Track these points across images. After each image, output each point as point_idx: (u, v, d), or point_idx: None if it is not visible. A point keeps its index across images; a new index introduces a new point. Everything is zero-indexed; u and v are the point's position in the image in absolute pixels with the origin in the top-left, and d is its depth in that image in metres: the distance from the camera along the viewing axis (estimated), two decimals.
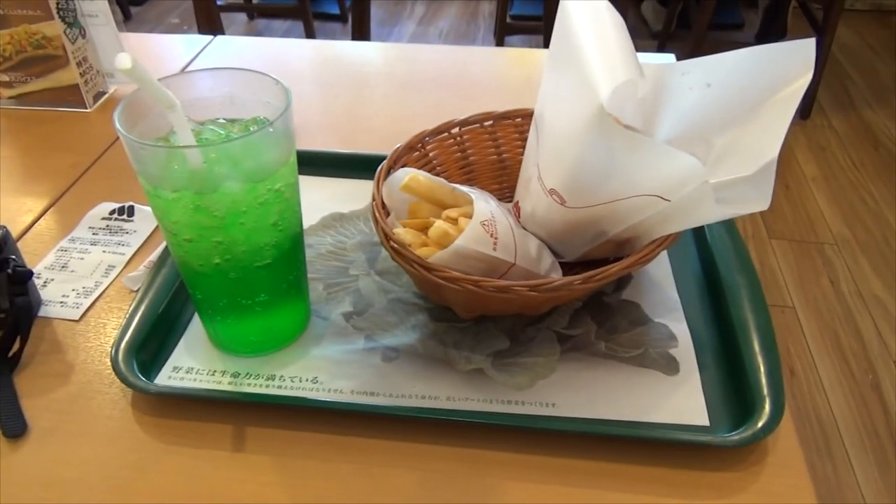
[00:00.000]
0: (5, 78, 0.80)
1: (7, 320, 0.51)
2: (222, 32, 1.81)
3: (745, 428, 0.44)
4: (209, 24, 1.83)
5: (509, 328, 0.52)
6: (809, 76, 0.47)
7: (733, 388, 0.48)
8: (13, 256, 0.51)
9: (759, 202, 0.46)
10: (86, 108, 0.81)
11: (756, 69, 0.49)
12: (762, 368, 0.47)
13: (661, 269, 0.58)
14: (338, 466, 0.44)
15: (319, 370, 0.50)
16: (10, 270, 0.50)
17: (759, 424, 0.44)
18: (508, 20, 2.60)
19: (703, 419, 0.46)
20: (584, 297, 0.55)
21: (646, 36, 2.74)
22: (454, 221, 0.48)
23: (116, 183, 0.70)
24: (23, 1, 0.74)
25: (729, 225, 0.59)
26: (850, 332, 1.57)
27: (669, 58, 0.88)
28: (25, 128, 0.79)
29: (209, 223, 0.42)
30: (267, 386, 0.49)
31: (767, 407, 0.45)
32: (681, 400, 0.47)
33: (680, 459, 0.44)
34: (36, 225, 0.65)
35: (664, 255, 0.58)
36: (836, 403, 1.41)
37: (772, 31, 2.64)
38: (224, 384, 0.49)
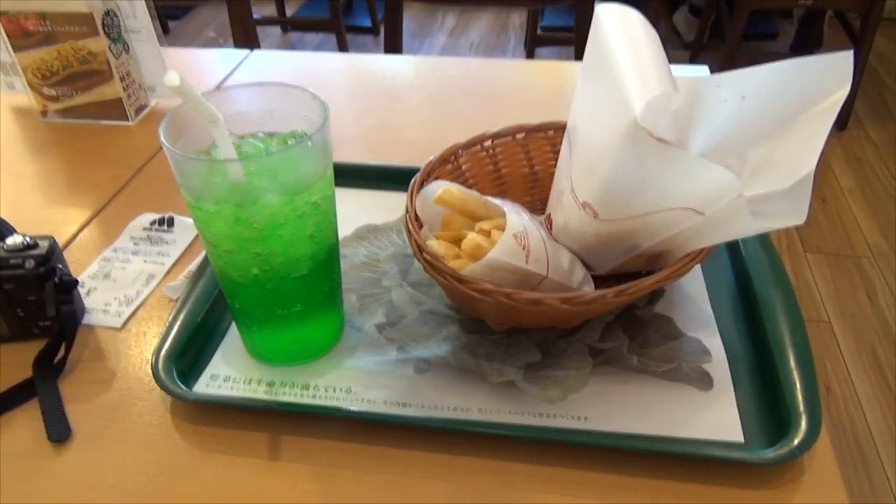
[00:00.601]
0: (52, 92, 0.82)
1: (53, 327, 0.53)
2: (258, 45, 1.84)
3: (781, 445, 0.43)
4: (245, 37, 1.86)
5: (541, 341, 0.53)
6: (846, 90, 0.46)
7: (768, 404, 0.47)
8: (60, 266, 0.53)
9: (796, 216, 0.45)
10: (128, 121, 0.84)
11: (792, 82, 0.49)
12: (798, 384, 0.47)
13: (694, 283, 0.57)
14: (370, 476, 0.45)
15: (353, 380, 0.50)
16: (57, 279, 0.52)
17: (796, 441, 0.43)
18: (539, 32, 2.61)
19: (737, 435, 0.46)
20: (616, 310, 0.55)
21: (678, 46, 2.73)
22: (487, 234, 0.48)
23: (157, 194, 0.72)
24: (70, 18, 0.76)
25: (763, 238, 0.58)
26: (888, 347, 1.53)
27: (703, 69, 0.88)
28: (70, 140, 0.82)
29: (248, 235, 0.43)
30: (302, 395, 0.49)
31: (804, 423, 0.44)
32: (715, 415, 0.47)
33: (714, 476, 0.44)
34: (80, 235, 0.67)
35: (697, 268, 0.58)
36: (873, 420, 1.38)
37: (807, 42, 2.60)
38: (260, 393, 0.50)
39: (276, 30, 3.06)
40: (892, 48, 2.71)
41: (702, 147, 0.52)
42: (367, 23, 2.98)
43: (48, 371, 0.51)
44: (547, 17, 2.80)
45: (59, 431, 0.48)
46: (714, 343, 0.52)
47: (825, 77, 0.47)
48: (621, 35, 0.48)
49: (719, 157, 0.50)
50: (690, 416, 0.47)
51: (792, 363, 0.48)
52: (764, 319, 0.52)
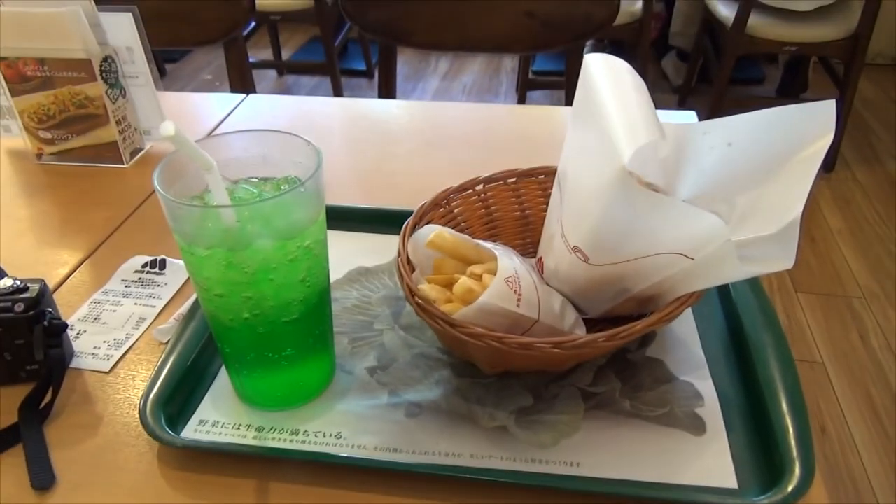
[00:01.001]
0: (48, 135, 0.83)
1: (41, 372, 0.52)
2: (254, 88, 1.87)
3: (775, 492, 0.43)
4: (241, 80, 1.89)
5: (533, 385, 0.52)
6: (830, 137, 0.48)
7: (762, 449, 0.47)
8: (49, 309, 0.53)
9: (784, 261, 0.46)
10: (123, 164, 0.84)
11: (777, 129, 0.50)
12: (791, 429, 0.46)
13: (685, 326, 0.57)
14: None
15: (343, 425, 0.50)
16: (46, 323, 0.52)
17: (790, 488, 0.43)
18: (531, 75, 2.66)
19: (731, 482, 0.45)
20: (608, 353, 0.55)
21: (667, 90, 2.78)
22: (478, 278, 0.49)
23: (149, 237, 0.72)
24: (68, 64, 0.77)
25: (753, 282, 0.59)
26: (881, 388, 1.53)
27: (691, 115, 0.90)
28: (64, 183, 0.82)
29: (240, 279, 0.43)
30: (291, 441, 0.49)
31: (797, 469, 0.44)
32: (708, 461, 0.47)
33: None
34: (71, 277, 0.67)
35: (688, 311, 0.58)
36: (869, 462, 1.37)
37: (793, 86, 2.66)
38: (249, 438, 0.49)
39: (273, 73, 3.11)
40: (876, 92, 2.77)
41: (690, 193, 0.53)
42: (362, 66, 3.03)
43: (34, 416, 0.51)
44: (538, 61, 2.85)
45: (43, 479, 0.47)
46: (706, 386, 0.52)
47: (809, 125, 0.48)
48: (609, 83, 0.49)
49: (707, 202, 0.51)
50: (684, 461, 0.47)
51: (784, 407, 0.48)
52: (755, 363, 0.52)
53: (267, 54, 3.09)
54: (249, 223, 0.42)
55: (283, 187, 0.46)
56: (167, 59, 3.15)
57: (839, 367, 1.58)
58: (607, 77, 0.50)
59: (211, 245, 0.42)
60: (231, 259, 0.43)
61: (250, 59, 2.02)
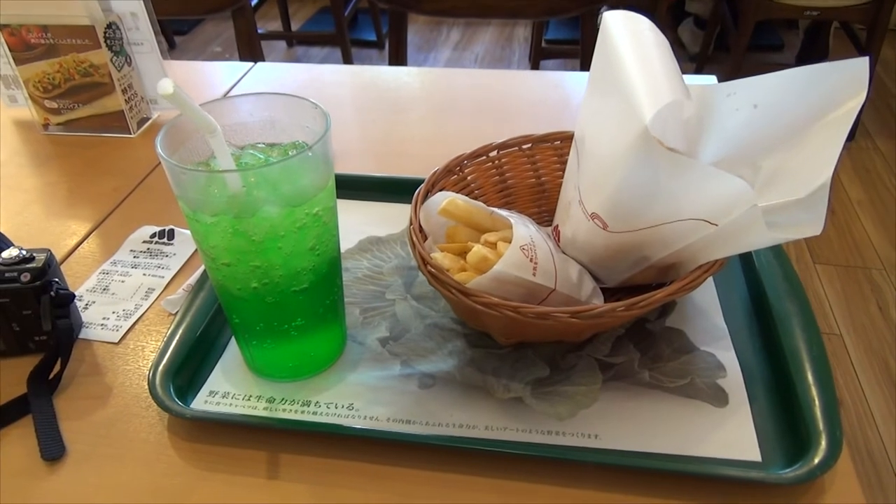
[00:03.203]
0: (54, 105, 0.82)
1: (49, 342, 0.52)
2: (263, 60, 1.85)
3: (801, 464, 0.42)
4: (250, 51, 1.86)
5: (549, 355, 0.51)
6: (863, 97, 0.45)
7: (786, 422, 0.46)
8: (56, 279, 0.52)
9: (812, 227, 0.44)
10: (130, 134, 0.83)
11: (805, 90, 0.48)
12: (817, 401, 0.45)
13: (706, 296, 0.56)
14: (373, 496, 0.43)
15: (355, 396, 0.49)
16: (53, 293, 0.51)
17: (816, 461, 0.42)
18: (543, 44, 2.61)
19: (754, 454, 0.44)
20: (626, 323, 0.53)
21: (683, 59, 2.72)
22: (493, 246, 0.47)
23: (157, 206, 0.71)
24: (72, 31, 0.76)
25: (777, 250, 0.57)
26: None
27: (711, 79, 0.87)
28: (72, 153, 0.81)
29: (247, 248, 0.42)
30: (302, 412, 0.48)
31: (824, 442, 0.43)
32: (730, 433, 0.45)
33: (730, 497, 0.42)
34: (79, 248, 0.66)
35: (710, 280, 0.56)
36: (886, 434, 1.35)
37: (813, 53, 2.59)
38: (259, 410, 0.48)
39: (282, 44, 3.07)
40: None
41: (713, 157, 0.51)
42: (372, 37, 2.99)
43: (43, 387, 0.50)
44: (551, 30, 2.80)
45: (52, 450, 0.46)
46: (728, 357, 0.50)
47: (840, 85, 0.46)
48: (630, 41, 0.47)
49: (731, 166, 0.49)
50: (705, 433, 0.45)
51: (810, 378, 0.46)
52: (780, 333, 0.50)
53: (276, 25, 3.05)
54: (256, 189, 0.41)
55: (290, 152, 0.44)
56: (176, 31, 3.12)
57: (857, 339, 1.56)
58: (628, 34, 0.48)
59: (216, 212, 0.41)
60: (237, 226, 0.41)
61: (259, 31, 1.99)
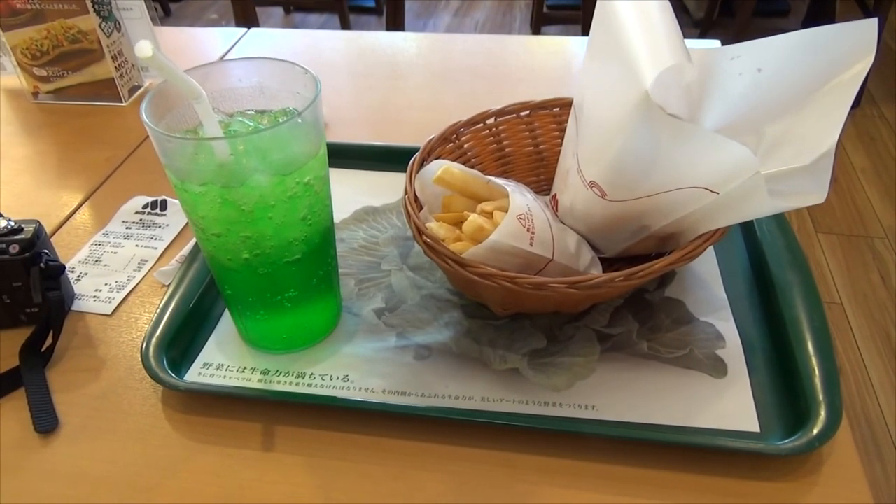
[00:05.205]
0: (43, 73, 0.80)
1: (40, 315, 0.51)
2: (258, 26, 1.81)
3: (800, 435, 0.41)
4: (246, 18, 1.84)
5: (546, 326, 0.50)
6: (870, 59, 0.44)
7: (786, 393, 0.45)
8: (46, 251, 0.51)
9: (816, 195, 0.43)
10: (121, 102, 0.82)
11: (811, 53, 0.46)
12: (817, 371, 0.44)
13: (706, 266, 0.55)
14: (368, 468, 0.43)
15: (350, 368, 0.48)
16: (42, 265, 0.50)
17: (815, 432, 0.41)
18: (545, 10, 2.56)
19: (753, 425, 0.43)
20: (625, 294, 0.52)
21: (687, 24, 2.67)
22: (489, 215, 0.46)
23: (150, 177, 0.70)
24: None
25: (779, 218, 0.56)
26: None
27: (714, 43, 0.85)
28: (62, 122, 0.80)
29: (237, 217, 0.41)
30: (297, 384, 0.48)
31: (823, 413, 0.42)
32: (729, 404, 0.45)
33: (728, 468, 0.42)
34: (71, 219, 0.65)
35: (710, 250, 0.55)
36: (886, 403, 1.36)
37: (819, 18, 2.54)
38: (254, 382, 0.48)
39: (279, 11, 3.02)
40: None
41: (716, 123, 0.50)
42: (371, 3, 2.94)
43: (35, 360, 0.50)
44: None
45: (46, 423, 0.46)
46: (728, 328, 0.50)
47: (846, 47, 0.45)
48: (631, 3, 0.46)
49: (734, 133, 0.47)
50: (703, 404, 0.45)
51: (810, 349, 0.46)
52: (780, 303, 0.49)
53: None
54: (244, 157, 0.40)
55: (280, 119, 0.43)
56: None
57: (858, 308, 1.56)
58: None
59: (205, 181, 0.40)
60: (226, 196, 0.40)
61: None
